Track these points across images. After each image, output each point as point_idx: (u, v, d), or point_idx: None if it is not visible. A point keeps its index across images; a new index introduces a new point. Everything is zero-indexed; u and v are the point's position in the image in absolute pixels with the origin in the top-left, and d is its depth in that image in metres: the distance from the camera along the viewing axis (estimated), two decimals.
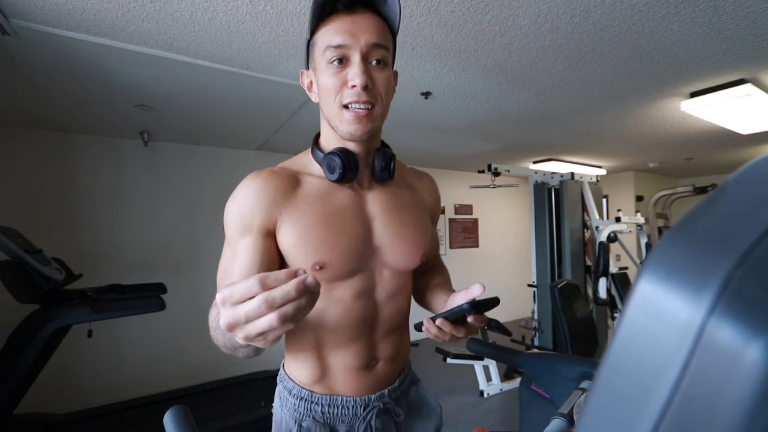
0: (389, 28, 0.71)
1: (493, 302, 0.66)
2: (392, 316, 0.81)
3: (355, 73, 0.66)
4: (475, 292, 0.66)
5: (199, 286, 3.55)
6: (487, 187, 3.56)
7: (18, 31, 1.60)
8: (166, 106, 2.53)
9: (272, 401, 0.86)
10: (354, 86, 0.67)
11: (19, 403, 2.15)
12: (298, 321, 0.43)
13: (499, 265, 5.92)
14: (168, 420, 0.66)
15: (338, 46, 0.66)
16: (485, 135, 3.48)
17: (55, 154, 3.01)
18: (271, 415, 0.85)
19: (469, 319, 0.66)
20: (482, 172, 3.63)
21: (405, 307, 0.85)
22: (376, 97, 0.69)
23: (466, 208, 5.51)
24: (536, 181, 4.00)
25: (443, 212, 5.27)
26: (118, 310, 2.21)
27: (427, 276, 0.96)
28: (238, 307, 0.42)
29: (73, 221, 3.05)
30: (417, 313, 0.86)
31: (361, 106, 0.68)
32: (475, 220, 5.64)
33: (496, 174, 3.49)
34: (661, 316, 0.18)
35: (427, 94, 2.42)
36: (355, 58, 0.67)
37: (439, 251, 1.00)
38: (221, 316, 0.43)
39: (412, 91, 2.37)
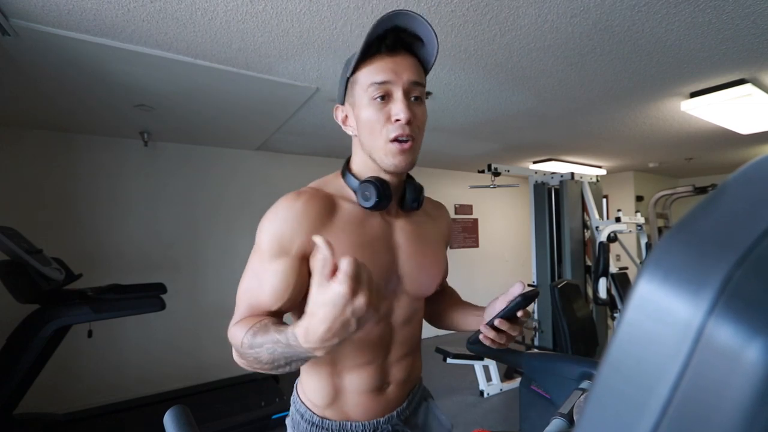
0: (423, 68, 0.77)
1: (536, 294, 0.74)
2: (406, 340, 0.84)
3: (399, 109, 0.71)
4: (518, 290, 0.71)
5: (199, 286, 3.56)
6: (487, 187, 3.56)
7: (18, 31, 1.59)
8: (166, 106, 2.53)
9: (272, 401, 0.87)
10: (398, 120, 0.71)
11: (19, 403, 2.15)
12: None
13: (499, 265, 5.92)
14: (168, 420, 0.66)
15: (383, 83, 0.71)
16: (485, 135, 3.48)
17: (55, 154, 3.01)
18: (269, 416, 0.86)
19: (519, 313, 0.71)
20: (482, 172, 3.63)
21: (418, 331, 0.88)
22: (416, 131, 0.74)
23: (466, 208, 5.51)
24: (536, 181, 4.00)
25: None
26: (118, 310, 2.21)
27: (439, 299, 1.00)
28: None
29: (73, 221, 3.05)
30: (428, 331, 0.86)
31: (405, 139, 0.73)
32: (475, 220, 5.64)
33: (496, 174, 3.49)
34: (661, 316, 0.18)
35: (427, 94, 2.42)
36: (398, 95, 0.72)
37: (447, 274, 1.04)
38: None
39: None
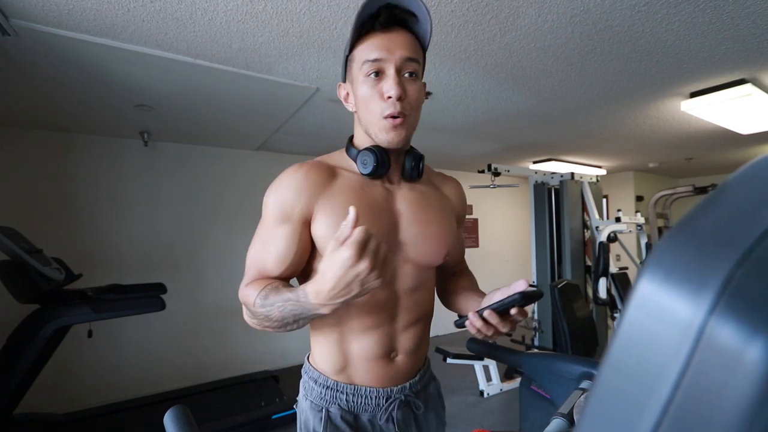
0: (420, 44, 0.78)
1: (539, 295, 0.71)
2: (412, 308, 0.84)
3: (390, 86, 0.73)
4: (521, 287, 0.69)
5: (200, 286, 3.56)
6: (487, 187, 3.56)
7: (18, 31, 1.59)
8: (166, 106, 2.53)
9: (272, 401, 0.87)
10: (389, 97, 0.73)
11: (19, 403, 2.15)
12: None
13: (498, 265, 5.92)
14: (168, 420, 0.66)
15: (375, 60, 0.74)
16: (485, 135, 3.48)
17: (55, 154, 3.01)
18: (269, 415, 0.87)
19: (513, 311, 0.70)
20: (482, 172, 3.63)
21: (426, 302, 0.87)
22: (408, 107, 0.76)
23: (466, 208, 5.51)
24: (536, 181, 4.00)
25: None
26: (118, 310, 2.21)
27: (454, 279, 1.00)
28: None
29: (73, 221, 3.05)
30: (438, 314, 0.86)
31: (397, 116, 0.74)
32: (475, 220, 5.64)
33: (496, 174, 3.49)
34: (662, 316, 0.18)
35: (427, 94, 2.42)
36: (390, 71, 0.74)
37: (464, 255, 1.04)
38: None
39: None
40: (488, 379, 3.27)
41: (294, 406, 0.90)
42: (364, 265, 0.59)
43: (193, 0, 1.44)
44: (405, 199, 0.84)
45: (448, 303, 1.00)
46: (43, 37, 1.65)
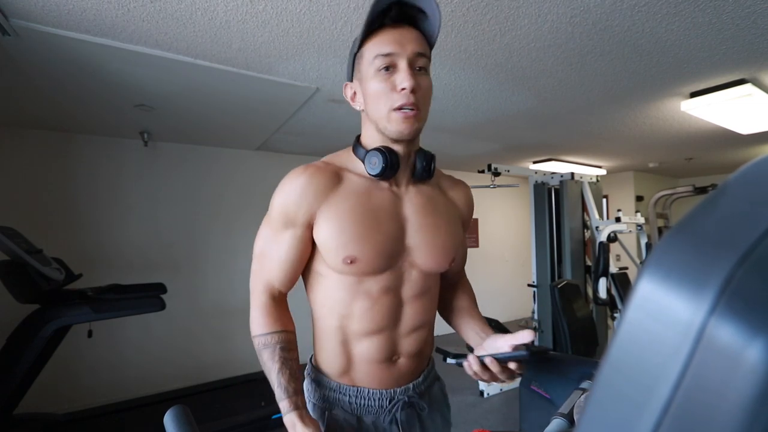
0: (428, 41, 0.79)
1: (545, 352, 0.69)
2: (416, 314, 0.83)
3: (403, 78, 0.73)
4: (526, 338, 0.69)
5: (199, 286, 3.55)
6: (487, 187, 3.56)
7: (18, 31, 1.59)
8: (166, 106, 2.53)
9: (272, 401, 0.87)
10: (403, 89, 0.73)
11: (19, 403, 2.15)
12: None
13: (499, 265, 5.92)
14: (168, 420, 0.66)
15: (388, 54, 0.73)
16: (485, 135, 3.48)
17: (55, 154, 3.01)
18: (269, 415, 0.87)
19: (513, 365, 0.70)
20: (482, 172, 3.63)
21: (429, 307, 0.87)
22: (421, 100, 0.76)
23: None
24: (536, 181, 3.99)
25: None
26: (118, 310, 2.21)
27: (453, 293, 0.99)
28: None
29: (73, 221, 3.05)
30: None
31: (410, 107, 0.73)
32: (475, 220, 5.64)
33: (496, 174, 3.49)
34: (662, 316, 0.18)
35: None
36: (402, 65, 0.73)
37: (465, 262, 1.03)
38: None
39: None
40: None
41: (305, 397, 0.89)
42: None
43: (193, 0, 1.44)
44: (412, 204, 0.82)
45: (446, 319, 0.99)
46: (43, 37, 1.64)
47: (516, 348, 0.69)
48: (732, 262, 0.17)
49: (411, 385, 0.84)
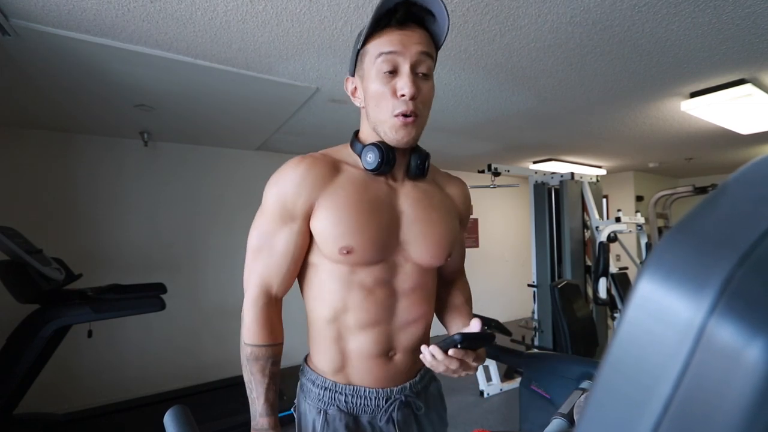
0: (434, 43, 0.77)
1: (486, 338, 0.67)
2: (411, 306, 0.82)
3: (404, 83, 0.72)
4: (473, 327, 0.69)
5: (199, 286, 3.55)
6: (487, 187, 3.56)
7: (18, 31, 1.59)
8: (166, 106, 2.53)
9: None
10: (403, 95, 0.72)
11: (19, 403, 2.15)
12: None
13: (499, 265, 5.92)
14: (168, 420, 0.66)
15: (390, 53, 0.72)
16: (485, 135, 3.48)
17: (55, 154, 3.01)
18: None
19: (451, 351, 0.68)
20: (482, 172, 3.63)
21: (425, 302, 0.86)
22: (421, 106, 0.75)
23: None
24: (536, 181, 4.00)
25: None
26: (118, 310, 2.21)
27: (449, 292, 0.98)
28: None
29: (73, 221, 3.05)
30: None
31: (409, 114, 0.73)
32: (475, 220, 5.64)
33: (496, 174, 3.49)
34: (662, 316, 0.18)
35: None
36: (405, 69, 0.72)
37: (464, 260, 1.02)
38: None
39: None
40: (488, 379, 3.27)
41: (292, 410, 0.88)
42: None
43: (192, 0, 1.44)
44: (408, 197, 0.82)
45: (439, 317, 0.98)
46: (43, 37, 1.64)
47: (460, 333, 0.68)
48: (732, 262, 0.17)
49: (408, 384, 0.84)
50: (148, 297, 2.31)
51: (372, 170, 0.78)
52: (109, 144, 3.21)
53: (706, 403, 0.16)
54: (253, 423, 0.78)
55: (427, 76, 0.75)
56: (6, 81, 2.10)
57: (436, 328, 0.90)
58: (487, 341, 0.67)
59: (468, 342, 0.65)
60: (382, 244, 0.77)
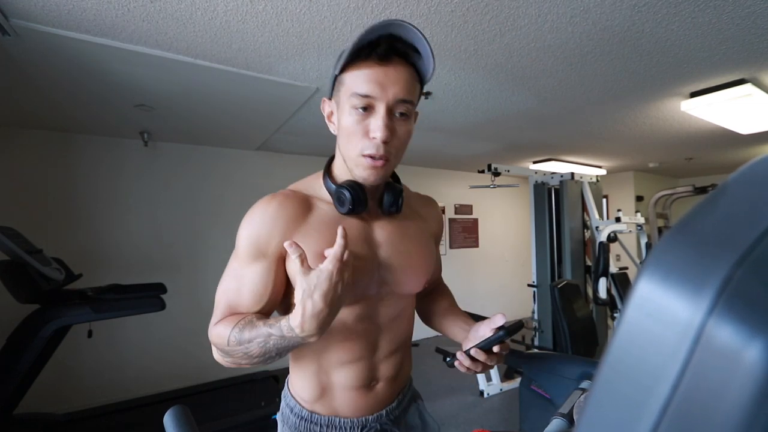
0: (419, 78, 0.72)
1: (519, 326, 0.71)
2: (393, 338, 0.82)
3: (377, 126, 0.68)
4: (500, 321, 0.70)
5: (200, 286, 3.55)
6: (487, 187, 3.56)
7: (18, 31, 1.59)
8: (166, 106, 2.53)
9: (272, 401, 0.87)
10: (374, 138, 0.68)
11: (19, 403, 2.15)
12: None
13: (499, 265, 5.92)
14: (168, 420, 0.66)
15: (365, 96, 0.67)
16: (485, 135, 3.48)
17: (55, 154, 3.01)
18: (269, 415, 0.86)
19: (496, 348, 0.71)
20: (482, 172, 3.63)
21: (406, 328, 0.86)
22: (393, 150, 0.72)
23: (466, 208, 5.51)
24: (536, 181, 4.00)
25: (443, 212, 5.27)
26: (118, 310, 2.21)
27: (433, 299, 0.98)
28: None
29: (73, 221, 3.05)
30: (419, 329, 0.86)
31: (378, 158, 0.70)
32: (475, 220, 5.64)
33: (496, 174, 3.49)
34: (661, 316, 0.18)
35: (427, 94, 2.42)
36: (380, 110, 0.68)
37: (440, 271, 1.02)
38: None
39: None
40: (488, 379, 3.27)
41: (277, 417, 0.88)
42: (345, 275, 0.63)
43: (192, 0, 1.44)
44: (383, 230, 0.80)
45: (430, 324, 0.98)
46: (43, 37, 1.64)
47: (496, 331, 0.70)
48: (731, 262, 0.17)
49: (384, 412, 0.83)
50: (148, 297, 2.31)
51: (345, 214, 0.75)
52: (109, 144, 3.21)
53: (705, 404, 0.16)
54: (290, 335, 0.65)
55: (406, 115, 0.71)
56: (6, 81, 2.10)
57: (419, 331, 0.90)
58: (519, 329, 0.71)
59: (509, 334, 0.69)
60: (361, 284, 0.75)
